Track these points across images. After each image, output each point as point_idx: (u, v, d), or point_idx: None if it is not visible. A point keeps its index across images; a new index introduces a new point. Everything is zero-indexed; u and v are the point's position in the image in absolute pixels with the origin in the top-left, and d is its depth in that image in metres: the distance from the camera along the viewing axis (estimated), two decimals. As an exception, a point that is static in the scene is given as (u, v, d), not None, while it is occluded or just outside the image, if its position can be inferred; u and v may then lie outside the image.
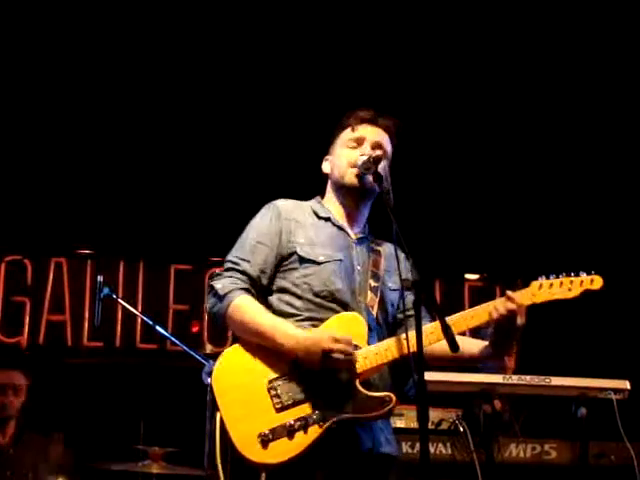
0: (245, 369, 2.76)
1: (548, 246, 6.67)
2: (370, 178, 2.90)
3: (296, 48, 6.11)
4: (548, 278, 2.83)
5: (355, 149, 2.98)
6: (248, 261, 2.86)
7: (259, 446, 2.63)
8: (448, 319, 2.69)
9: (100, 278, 6.05)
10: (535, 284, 2.83)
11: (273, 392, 2.70)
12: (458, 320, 2.78)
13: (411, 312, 2.81)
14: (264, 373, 2.74)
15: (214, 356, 4.05)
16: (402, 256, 2.96)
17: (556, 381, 3.71)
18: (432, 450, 3.72)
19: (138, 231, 6.59)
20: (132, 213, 6.55)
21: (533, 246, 6.75)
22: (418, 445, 3.60)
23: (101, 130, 6.44)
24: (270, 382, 2.72)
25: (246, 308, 2.79)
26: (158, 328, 4.59)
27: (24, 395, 4.96)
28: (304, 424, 2.65)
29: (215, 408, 2.73)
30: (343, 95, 5.58)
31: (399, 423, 3.89)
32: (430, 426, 3.83)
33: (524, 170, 6.74)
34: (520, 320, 2.76)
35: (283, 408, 2.68)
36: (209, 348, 4.39)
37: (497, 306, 2.76)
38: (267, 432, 2.64)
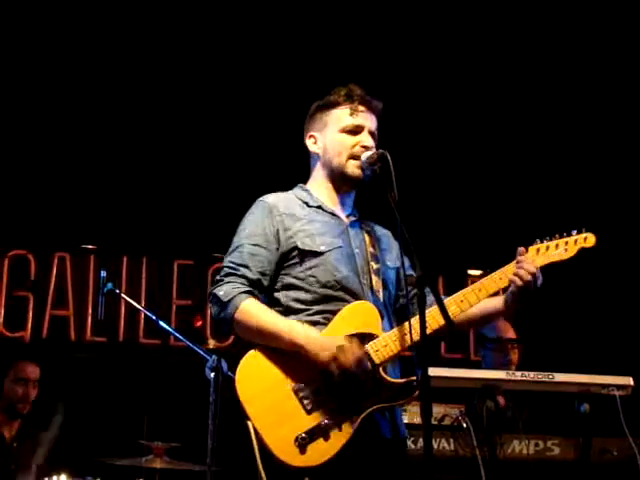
0: (268, 374, 2.71)
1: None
2: (369, 172, 2.91)
3: (294, 47, 6.13)
4: (542, 241, 2.88)
5: (353, 136, 2.95)
6: (246, 266, 2.83)
7: (297, 450, 2.61)
8: (460, 293, 2.83)
9: (103, 273, 6.09)
10: (532, 249, 2.89)
11: (301, 394, 2.68)
12: (468, 294, 2.84)
13: (412, 293, 2.92)
14: (288, 376, 2.70)
15: (217, 351, 4.08)
16: (395, 242, 3.03)
17: (559, 377, 3.71)
18: (435, 445, 3.71)
19: (141, 226, 6.59)
20: (135, 209, 6.55)
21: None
22: (421, 440, 3.61)
23: (104, 126, 6.44)
24: (295, 384, 2.69)
25: (252, 311, 2.75)
26: (161, 323, 4.59)
27: (37, 390, 5.00)
28: (337, 421, 2.64)
29: (244, 417, 2.67)
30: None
31: (405, 414, 3.89)
32: (433, 422, 3.82)
33: (526, 166, 6.74)
34: (540, 279, 2.81)
35: (313, 409, 2.66)
36: (212, 343, 4.41)
37: (518, 273, 2.80)
38: (303, 435, 2.62)
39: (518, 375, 3.71)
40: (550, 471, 3.78)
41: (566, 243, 2.88)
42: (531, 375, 3.70)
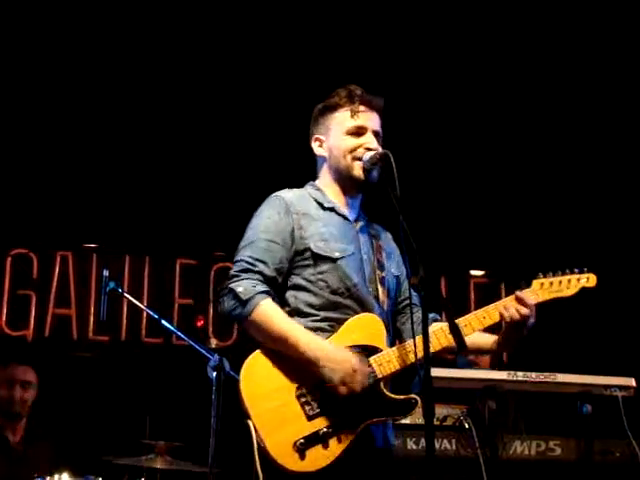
0: (272, 377, 2.70)
1: (552, 242, 6.66)
2: (375, 173, 2.90)
3: (295, 44, 6.13)
4: (546, 276, 2.93)
5: (357, 138, 2.94)
6: (264, 262, 2.78)
7: (296, 455, 2.61)
8: (463, 319, 2.81)
9: (106, 272, 6.09)
10: (536, 283, 2.92)
11: (303, 399, 2.67)
12: (472, 320, 2.84)
13: (411, 301, 2.90)
14: (292, 380, 2.69)
15: (219, 350, 4.08)
16: (396, 246, 3.03)
17: (561, 378, 3.71)
18: (437, 446, 3.71)
19: (144, 225, 6.60)
20: (138, 208, 6.55)
21: (537, 242, 6.75)
22: (423, 441, 3.62)
23: (106, 124, 6.45)
24: (299, 389, 2.68)
25: (269, 315, 2.71)
26: (163, 322, 4.59)
27: (34, 392, 4.91)
28: (336, 430, 2.65)
29: (245, 417, 2.67)
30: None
31: (404, 419, 3.88)
32: (435, 422, 3.82)
33: (528, 168, 6.74)
34: (532, 319, 2.82)
35: (315, 415, 2.66)
36: (214, 342, 4.42)
37: (508, 307, 2.82)
38: (302, 440, 2.62)
39: (520, 376, 3.71)
40: (552, 472, 3.78)
41: (569, 281, 2.95)
42: (533, 376, 3.70)
